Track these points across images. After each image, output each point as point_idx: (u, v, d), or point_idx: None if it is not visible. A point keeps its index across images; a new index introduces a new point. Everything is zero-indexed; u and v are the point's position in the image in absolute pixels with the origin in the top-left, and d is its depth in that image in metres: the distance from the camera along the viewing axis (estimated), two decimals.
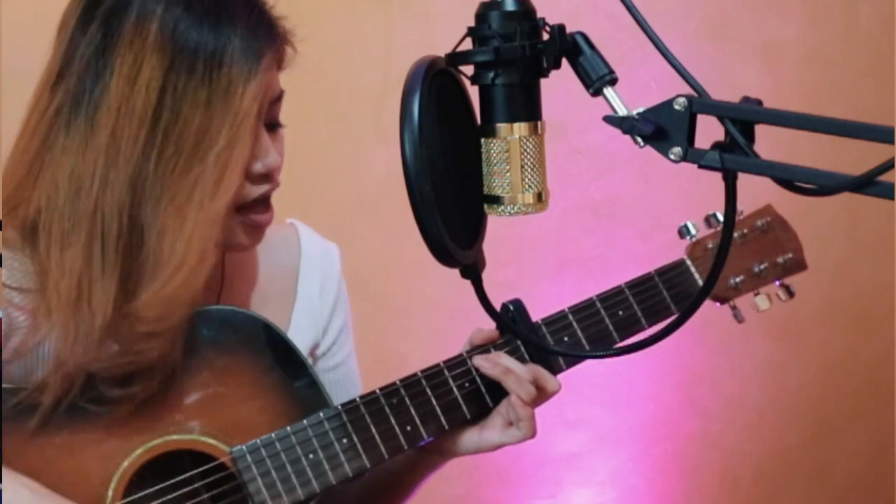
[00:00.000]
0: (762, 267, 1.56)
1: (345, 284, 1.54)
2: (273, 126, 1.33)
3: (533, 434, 1.40)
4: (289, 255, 1.50)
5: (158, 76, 1.20)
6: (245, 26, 1.23)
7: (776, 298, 1.57)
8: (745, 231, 1.57)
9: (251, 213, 1.31)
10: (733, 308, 1.56)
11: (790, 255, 1.58)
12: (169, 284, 1.22)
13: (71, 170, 1.23)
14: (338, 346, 1.53)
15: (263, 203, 1.33)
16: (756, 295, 1.57)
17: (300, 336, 1.44)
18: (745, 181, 0.94)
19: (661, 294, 1.51)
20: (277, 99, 1.32)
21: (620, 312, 1.49)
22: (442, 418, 1.40)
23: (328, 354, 1.52)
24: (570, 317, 1.47)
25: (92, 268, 1.22)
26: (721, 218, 1.55)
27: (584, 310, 1.48)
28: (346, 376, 1.54)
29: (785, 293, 1.57)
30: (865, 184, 0.83)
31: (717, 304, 1.56)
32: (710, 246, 1.54)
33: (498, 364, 1.40)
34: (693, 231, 1.54)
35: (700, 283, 1.53)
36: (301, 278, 1.49)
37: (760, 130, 0.92)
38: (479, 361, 1.41)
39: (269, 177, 1.31)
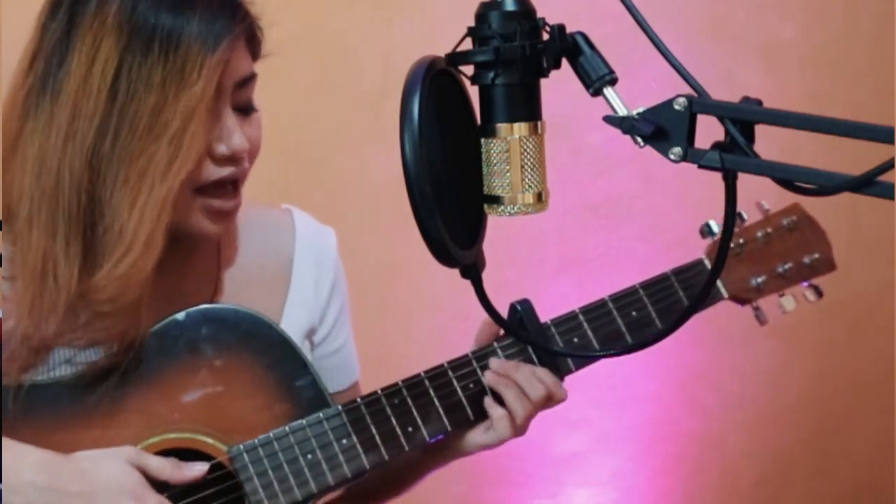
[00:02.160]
0: (787, 267, 1.52)
1: (342, 269, 1.54)
2: (245, 109, 1.31)
3: (514, 432, 1.42)
4: (283, 240, 1.49)
5: (115, 56, 1.22)
6: (205, 8, 1.23)
7: (803, 299, 1.53)
8: (770, 230, 1.53)
9: (214, 197, 1.30)
10: (756, 309, 1.52)
11: (817, 256, 1.53)
12: (119, 266, 1.23)
13: (37, 149, 1.25)
14: (336, 331, 1.52)
15: (229, 188, 1.31)
16: (781, 296, 1.53)
17: (295, 322, 1.44)
18: (745, 181, 0.94)
19: (678, 294, 1.47)
20: (246, 81, 1.30)
21: (634, 313, 1.46)
22: (444, 419, 1.39)
23: (327, 340, 1.52)
24: (581, 317, 1.45)
25: (56, 244, 1.24)
26: (746, 216, 1.53)
27: (595, 310, 1.45)
28: (345, 360, 1.54)
29: (814, 294, 1.53)
30: (865, 184, 0.83)
31: (739, 305, 1.52)
32: (732, 245, 1.50)
33: (496, 374, 1.42)
34: (715, 230, 1.48)
35: (719, 283, 1.50)
36: (296, 263, 1.48)
37: (760, 130, 0.92)
38: (489, 374, 1.43)
39: (233, 159, 1.29)
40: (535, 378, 1.41)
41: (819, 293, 1.53)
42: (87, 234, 1.24)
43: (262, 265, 1.46)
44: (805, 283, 1.54)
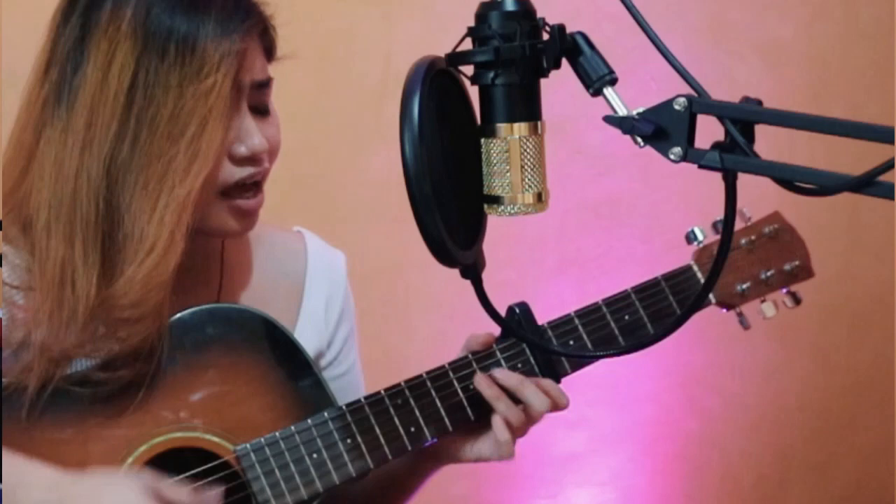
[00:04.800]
0: (769, 274, 1.55)
1: (351, 292, 1.54)
2: (262, 111, 1.32)
3: (510, 456, 1.42)
4: (295, 264, 1.49)
5: (131, 61, 1.21)
6: (220, 11, 1.23)
7: (782, 305, 1.56)
8: (753, 238, 1.56)
9: (237, 197, 1.30)
10: (739, 315, 1.55)
11: (797, 263, 1.57)
12: (141, 268, 1.22)
13: (54, 158, 1.24)
14: (343, 355, 1.52)
15: (251, 188, 1.31)
16: (762, 302, 1.56)
17: (304, 345, 1.43)
18: (744, 181, 0.94)
19: (668, 299, 1.50)
20: (264, 84, 1.31)
21: (626, 317, 1.48)
22: (446, 420, 1.40)
23: (333, 364, 1.51)
24: (576, 320, 1.46)
25: (74, 253, 1.23)
26: None
27: (589, 314, 1.47)
28: (350, 384, 1.53)
29: (791, 300, 1.56)
30: (865, 184, 0.83)
31: (724, 310, 1.55)
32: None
33: (493, 386, 1.40)
34: (700, 237, 1.52)
35: None
36: (307, 288, 1.48)
37: (760, 130, 0.92)
38: (479, 380, 1.41)
39: (252, 160, 1.29)
40: (541, 391, 1.40)
41: (797, 300, 1.57)
42: (106, 241, 1.24)
43: (275, 288, 1.46)
44: (784, 290, 1.57)
